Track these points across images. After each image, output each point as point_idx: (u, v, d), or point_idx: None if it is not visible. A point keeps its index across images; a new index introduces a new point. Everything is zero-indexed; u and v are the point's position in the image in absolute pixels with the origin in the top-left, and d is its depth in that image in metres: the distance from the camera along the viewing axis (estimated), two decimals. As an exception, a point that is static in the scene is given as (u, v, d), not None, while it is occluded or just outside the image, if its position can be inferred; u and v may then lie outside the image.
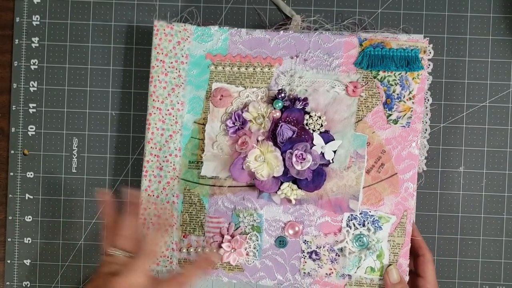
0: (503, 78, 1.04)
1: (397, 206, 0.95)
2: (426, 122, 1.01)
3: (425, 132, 1.01)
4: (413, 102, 0.94)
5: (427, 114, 1.01)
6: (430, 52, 0.98)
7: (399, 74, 0.94)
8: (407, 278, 0.95)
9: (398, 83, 0.94)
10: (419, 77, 0.94)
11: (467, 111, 1.04)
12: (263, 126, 0.94)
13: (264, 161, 0.92)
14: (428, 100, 1.01)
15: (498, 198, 1.05)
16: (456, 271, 1.05)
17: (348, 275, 0.96)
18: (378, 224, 0.95)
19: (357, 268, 0.96)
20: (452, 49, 1.04)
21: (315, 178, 0.93)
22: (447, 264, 1.05)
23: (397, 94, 0.94)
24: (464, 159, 1.05)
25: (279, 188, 0.94)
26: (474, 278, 1.05)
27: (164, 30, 0.96)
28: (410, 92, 0.94)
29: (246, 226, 0.97)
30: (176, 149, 0.97)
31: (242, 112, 0.95)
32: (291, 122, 0.93)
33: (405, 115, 0.94)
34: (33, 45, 1.06)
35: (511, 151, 1.05)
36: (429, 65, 0.99)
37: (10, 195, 1.06)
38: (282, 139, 0.92)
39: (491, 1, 1.04)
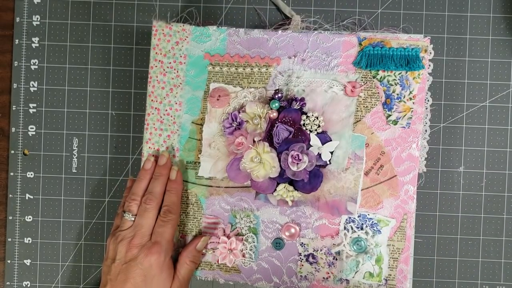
0: (503, 78, 1.01)
1: (396, 209, 0.91)
2: (426, 123, 0.98)
3: (425, 133, 0.98)
4: (413, 103, 0.91)
5: (427, 115, 0.97)
6: (430, 52, 0.93)
7: (399, 74, 0.91)
8: (409, 285, 0.92)
9: (398, 83, 0.91)
10: (420, 76, 0.90)
11: (467, 111, 1.01)
12: (259, 126, 0.90)
13: (260, 162, 0.89)
14: (428, 100, 0.97)
15: (498, 198, 1.01)
16: (456, 271, 1.02)
17: (346, 280, 0.92)
18: (377, 228, 0.92)
19: (355, 273, 0.92)
20: (452, 49, 1.01)
21: (312, 180, 0.89)
22: (447, 264, 1.02)
23: (397, 94, 0.91)
24: (464, 159, 1.01)
25: (275, 190, 0.90)
26: (474, 278, 1.02)
27: (163, 30, 0.93)
28: (410, 92, 0.91)
29: (242, 228, 0.94)
30: (174, 150, 0.93)
31: (239, 113, 0.91)
32: (287, 122, 0.89)
33: (405, 115, 0.91)
34: (33, 45, 1.02)
35: (511, 151, 1.01)
36: (430, 65, 0.95)
37: (10, 195, 1.03)
38: (278, 139, 0.89)
39: (491, 1, 1.01)
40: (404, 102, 0.90)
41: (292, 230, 0.91)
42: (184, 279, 0.89)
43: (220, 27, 0.92)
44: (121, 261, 0.85)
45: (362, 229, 0.91)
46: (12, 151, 1.02)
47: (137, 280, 0.84)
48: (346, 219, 0.91)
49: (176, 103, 0.92)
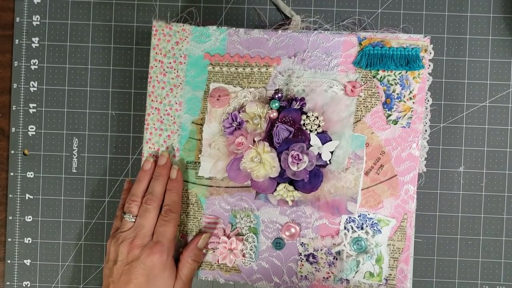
0: (503, 78, 1.01)
1: (396, 209, 0.91)
2: (426, 123, 0.98)
3: (425, 133, 0.98)
4: (413, 102, 0.90)
5: (427, 115, 0.97)
6: (430, 52, 0.93)
7: (399, 74, 0.90)
8: (409, 285, 0.92)
9: (398, 83, 0.90)
10: (420, 76, 0.90)
11: (467, 111, 1.01)
12: (259, 126, 0.89)
13: (260, 162, 0.88)
14: (428, 100, 0.97)
15: (498, 198, 1.01)
16: (456, 271, 1.02)
17: (346, 279, 0.92)
18: (377, 228, 0.91)
19: (356, 272, 0.92)
20: (452, 49, 1.01)
21: (312, 179, 0.88)
22: (447, 264, 1.01)
23: (397, 94, 0.90)
24: (464, 159, 1.01)
25: (275, 189, 0.89)
26: (474, 278, 1.02)
27: (162, 30, 0.92)
28: (410, 92, 0.90)
29: (242, 227, 0.93)
30: (174, 150, 0.93)
31: (239, 113, 0.91)
32: (287, 122, 0.89)
33: (405, 115, 0.90)
34: (33, 45, 1.02)
35: (511, 151, 1.01)
36: (430, 65, 0.95)
37: (10, 195, 1.02)
38: (278, 139, 0.88)
39: (491, 1, 1.01)
40: (404, 101, 0.90)
41: (292, 230, 0.91)
42: (186, 278, 0.89)
43: (220, 27, 0.92)
44: (123, 262, 0.85)
45: (362, 228, 0.91)
46: (12, 151, 1.01)
47: (140, 280, 0.84)
48: (346, 219, 0.91)
49: (176, 103, 0.92)
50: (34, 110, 1.01)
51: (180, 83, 0.92)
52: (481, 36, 1.00)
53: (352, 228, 0.91)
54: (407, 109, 0.90)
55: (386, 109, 0.90)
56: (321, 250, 0.91)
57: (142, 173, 0.91)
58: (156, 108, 0.92)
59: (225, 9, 1.01)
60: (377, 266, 0.91)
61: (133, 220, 0.87)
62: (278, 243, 0.92)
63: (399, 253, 0.91)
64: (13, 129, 1.01)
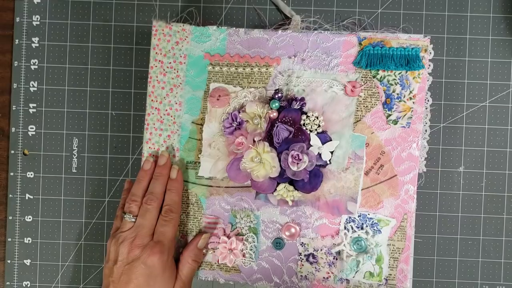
0: (503, 78, 1.00)
1: (397, 209, 0.91)
2: (426, 123, 0.97)
3: (425, 133, 0.98)
4: (413, 102, 0.90)
5: (427, 115, 0.97)
6: (430, 52, 0.93)
7: (399, 74, 0.90)
8: (409, 285, 0.92)
9: (398, 83, 0.90)
10: (420, 76, 0.90)
11: (467, 111, 1.00)
12: (259, 126, 0.89)
13: (260, 162, 0.88)
14: (428, 100, 0.97)
15: (498, 198, 1.01)
16: (456, 271, 1.01)
17: (346, 279, 0.92)
18: (377, 228, 0.91)
19: (356, 272, 0.92)
20: (452, 49, 1.00)
21: (312, 179, 0.88)
22: (447, 264, 1.01)
23: (397, 94, 0.90)
24: (464, 159, 1.01)
25: (275, 189, 0.89)
26: (474, 278, 1.01)
27: (162, 30, 0.92)
28: (410, 92, 0.90)
29: (242, 227, 0.93)
30: (174, 150, 0.93)
31: (239, 113, 0.90)
32: (287, 122, 0.89)
33: (405, 115, 0.90)
34: (33, 45, 1.02)
35: (511, 151, 1.01)
36: (430, 65, 0.95)
37: (10, 195, 1.02)
38: (278, 139, 0.88)
39: (491, 1, 1.01)
40: (404, 101, 0.89)
41: (292, 230, 0.91)
42: (186, 278, 0.89)
43: (220, 27, 0.92)
44: (123, 262, 0.85)
45: (362, 228, 0.91)
46: (12, 151, 1.01)
47: (140, 280, 0.84)
48: (346, 219, 0.91)
49: (176, 103, 0.92)
50: (34, 110, 1.01)
51: (180, 83, 0.92)
52: (481, 36, 1.00)
53: (352, 228, 0.91)
54: (407, 109, 0.90)
55: (386, 109, 0.90)
56: (321, 250, 0.91)
57: (142, 173, 0.91)
58: (156, 108, 0.92)
59: (225, 9, 1.01)
60: (377, 266, 0.91)
61: (134, 220, 0.87)
62: (278, 243, 0.92)
63: (399, 253, 0.91)
64: (13, 129, 1.01)
